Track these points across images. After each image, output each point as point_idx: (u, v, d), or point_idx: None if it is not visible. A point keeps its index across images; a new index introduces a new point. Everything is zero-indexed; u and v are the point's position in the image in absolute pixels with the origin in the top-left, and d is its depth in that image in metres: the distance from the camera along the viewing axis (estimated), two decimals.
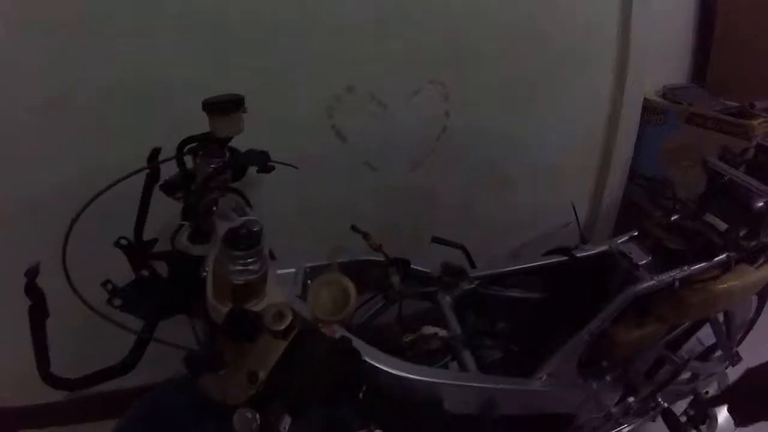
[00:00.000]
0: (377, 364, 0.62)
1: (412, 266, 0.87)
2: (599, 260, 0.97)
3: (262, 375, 0.46)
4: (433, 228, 1.07)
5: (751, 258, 1.04)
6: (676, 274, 0.90)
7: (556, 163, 1.55)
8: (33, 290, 0.57)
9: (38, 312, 0.57)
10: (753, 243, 1.01)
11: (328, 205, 1.25)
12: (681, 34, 1.91)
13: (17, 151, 0.99)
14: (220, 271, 0.51)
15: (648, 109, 1.78)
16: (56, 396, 1.30)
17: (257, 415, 0.46)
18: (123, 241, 0.70)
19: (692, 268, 0.92)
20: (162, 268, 0.72)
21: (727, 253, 0.96)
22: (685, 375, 1.22)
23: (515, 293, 0.99)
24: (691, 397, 1.26)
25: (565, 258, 0.96)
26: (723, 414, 1.19)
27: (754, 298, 1.40)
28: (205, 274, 0.59)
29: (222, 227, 0.55)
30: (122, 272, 0.69)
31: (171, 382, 0.68)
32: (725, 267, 0.96)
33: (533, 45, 1.40)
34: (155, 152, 0.72)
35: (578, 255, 0.96)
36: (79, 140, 1.01)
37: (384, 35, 1.18)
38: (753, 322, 1.49)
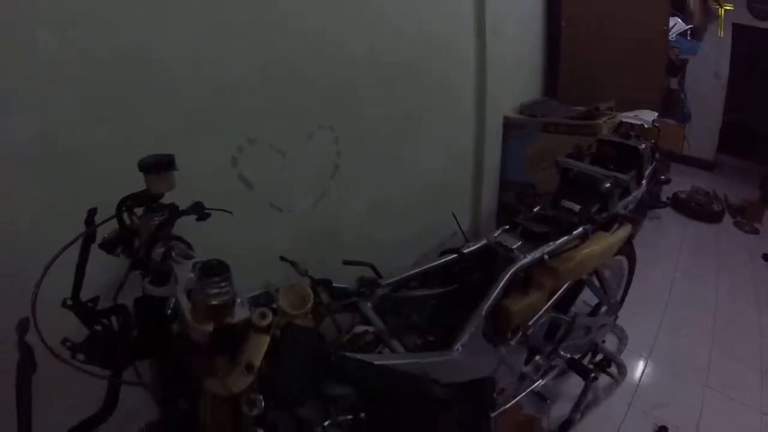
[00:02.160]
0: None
1: (333, 285, 1.06)
2: (483, 253, 1.23)
3: (256, 364, 0.59)
4: (340, 254, 1.24)
5: (607, 227, 1.41)
6: (544, 249, 1.20)
7: (438, 182, 1.84)
8: (23, 344, 0.65)
9: (27, 365, 0.65)
10: (604, 215, 1.38)
11: (244, 246, 1.34)
12: (532, 57, 2.39)
13: None
14: (198, 297, 0.62)
15: (509, 125, 2.18)
16: None
17: (260, 396, 0.58)
18: (69, 302, 0.76)
19: (556, 243, 1.23)
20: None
21: (583, 227, 1.30)
22: (580, 331, 1.55)
23: (422, 292, 1.21)
24: None
25: (455, 255, 1.21)
26: None
27: (625, 261, 1.80)
28: (169, 311, 0.70)
29: (183, 268, 0.70)
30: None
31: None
32: (584, 237, 1.29)
33: (407, 83, 1.70)
34: (92, 213, 0.78)
35: (464, 251, 1.22)
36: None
37: (275, 90, 1.37)
38: (629, 281, 1.89)
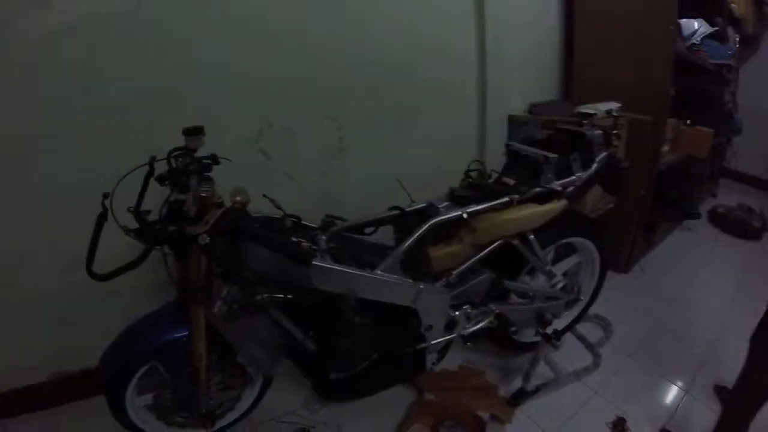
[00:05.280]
0: None
1: (303, 221, 1.63)
2: (422, 211, 1.71)
3: (210, 221, 1.21)
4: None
5: (542, 200, 1.78)
6: (464, 210, 1.63)
7: (438, 167, 2.30)
8: (103, 205, 1.27)
9: (102, 217, 1.27)
10: (536, 189, 1.76)
11: (261, 203, 1.81)
12: (544, 58, 2.77)
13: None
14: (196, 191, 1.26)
15: (515, 122, 2.61)
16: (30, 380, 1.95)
17: (207, 236, 1.21)
18: (132, 208, 1.35)
19: (478, 206, 1.66)
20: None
21: (509, 196, 1.71)
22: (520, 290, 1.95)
23: (366, 239, 1.71)
24: None
25: (399, 212, 1.70)
26: None
27: (593, 246, 2.15)
28: (185, 209, 1.30)
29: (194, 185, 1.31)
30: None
31: None
32: (508, 204, 1.70)
33: (407, 81, 2.21)
34: (152, 158, 1.40)
35: (407, 209, 1.71)
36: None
37: (291, 86, 1.97)
38: (603, 270, 2.23)
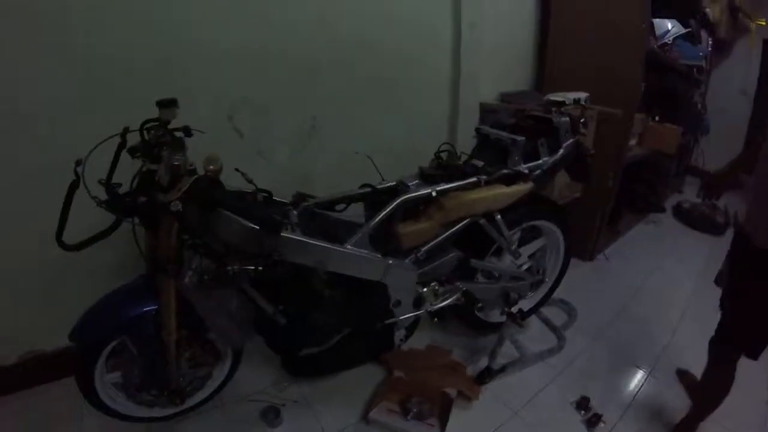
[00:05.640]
0: None
1: (274, 197, 1.66)
2: (392, 189, 1.76)
3: (183, 188, 1.24)
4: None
5: (508, 181, 1.84)
6: (434, 188, 1.68)
7: (409, 148, 2.35)
8: (76, 173, 1.27)
9: (74, 185, 1.28)
10: (503, 171, 1.83)
11: (234, 179, 1.81)
12: (517, 49, 2.85)
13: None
14: (168, 161, 1.28)
15: (486, 110, 2.69)
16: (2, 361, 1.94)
17: (179, 203, 1.23)
18: (102, 180, 1.37)
19: (448, 185, 1.71)
20: None
21: (477, 177, 1.77)
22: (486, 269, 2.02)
23: (337, 215, 1.75)
24: None
25: (369, 189, 1.75)
26: None
27: (558, 229, 2.23)
28: (157, 178, 1.31)
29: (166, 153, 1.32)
30: None
31: None
32: (475, 184, 1.76)
33: (381, 61, 2.24)
34: (125, 129, 1.41)
35: (378, 187, 1.75)
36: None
37: (267, 63, 2.00)
38: (567, 255, 2.31)
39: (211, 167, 1.32)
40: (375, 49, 2.25)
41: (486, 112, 2.67)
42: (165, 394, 1.73)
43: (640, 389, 2.10)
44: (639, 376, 2.20)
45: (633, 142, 3.11)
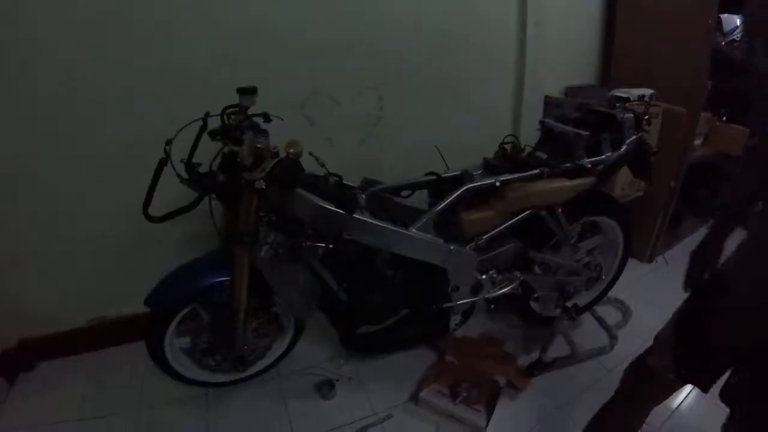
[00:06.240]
0: None
1: (344, 181, 1.76)
2: (457, 178, 1.82)
3: (267, 168, 1.35)
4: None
5: (570, 175, 1.87)
6: (498, 179, 1.73)
7: (472, 143, 2.38)
8: (165, 151, 1.42)
9: (163, 161, 1.42)
10: (567, 164, 1.85)
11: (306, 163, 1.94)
12: (584, 43, 2.84)
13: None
14: (251, 142, 1.39)
15: (550, 103, 2.70)
16: (73, 324, 2.13)
17: (263, 180, 1.34)
18: (184, 160, 1.50)
19: (511, 176, 1.76)
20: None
21: (540, 169, 1.81)
22: (543, 267, 2.06)
23: (401, 200, 1.83)
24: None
25: (435, 177, 1.82)
26: None
27: (618, 227, 2.24)
28: (239, 159, 1.41)
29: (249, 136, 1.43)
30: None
31: None
32: (538, 176, 1.80)
33: (448, 53, 2.30)
34: (207, 114, 1.54)
35: (443, 175, 1.81)
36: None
37: (339, 57, 2.08)
38: (626, 254, 2.31)
39: (292, 150, 1.42)
40: (444, 41, 2.30)
41: (550, 105, 2.68)
42: (229, 359, 1.86)
43: (684, 399, 2.06)
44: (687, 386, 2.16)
45: (698, 142, 3.03)
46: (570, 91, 2.77)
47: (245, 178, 1.40)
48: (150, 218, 1.50)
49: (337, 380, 2.03)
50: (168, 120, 1.51)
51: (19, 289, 2.00)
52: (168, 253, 1.97)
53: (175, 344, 1.84)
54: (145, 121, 1.85)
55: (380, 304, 1.76)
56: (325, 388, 1.97)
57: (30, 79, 1.69)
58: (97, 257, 2.07)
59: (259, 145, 1.40)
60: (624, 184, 2.59)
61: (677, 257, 3.28)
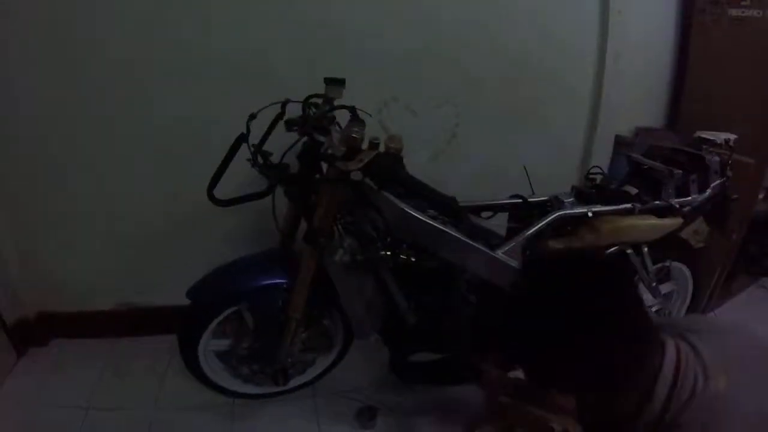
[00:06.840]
0: None
1: None
2: (544, 204, 1.71)
3: (365, 159, 1.23)
4: None
5: (658, 213, 1.76)
6: (590, 209, 1.62)
7: (541, 172, 2.31)
8: (246, 126, 1.36)
9: (241, 137, 1.34)
10: (656, 202, 1.75)
11: None
12: (654, 86, 2.76)
13: None
14: (346, 131, 1.30)
15: (620, 142, 2.60)
16: (99, 305, 2.04)
17: (360, 172, 1.23)
18: (255, 143, 1.44)
19: (603, 208, 1.65)
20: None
21: (632, 203, 1.70)
22: None
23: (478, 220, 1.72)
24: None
25: (520, 200, 1.71)
26: None
27: (687, 271, 2.11)
28: (323, 150, 1.31)
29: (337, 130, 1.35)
30: None
31: None
32: (630, 211, 1.69)
33: (525, 78, 2.21)
34: (287, 100, 1.48)
35: (529, 199, 1.71)
36: None
37: (420, 67, 2.01)
38: (694, 297, 2.18)
39: (393, 145, 1.31)
40: (524, 65, 2.22)
41: (620, 144, 2.58)
42: (268, 371, 1.72)
43: None
44: None
45: (761, 196, 2.93)
46: (640, 131, 2.67)
47: (339, 168, 1.29)
48: (215, 200, 1.39)
49: (379, 409, 1.87)
50: (237, 111, 1.46)
51: (50, 259, 1.93)
52: (215, 247, 1.89)
53: (210, 345, 1.71)
54: (204, 108, 1.83)
55: (452, 332, 1.61)
56: (366, 416, 1.83)
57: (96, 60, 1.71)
58: (139, 241, 1.99)
59: (354, 135, 1.30)
60: (689, 232, 2.48)
61: (728, 314, 3.15)
